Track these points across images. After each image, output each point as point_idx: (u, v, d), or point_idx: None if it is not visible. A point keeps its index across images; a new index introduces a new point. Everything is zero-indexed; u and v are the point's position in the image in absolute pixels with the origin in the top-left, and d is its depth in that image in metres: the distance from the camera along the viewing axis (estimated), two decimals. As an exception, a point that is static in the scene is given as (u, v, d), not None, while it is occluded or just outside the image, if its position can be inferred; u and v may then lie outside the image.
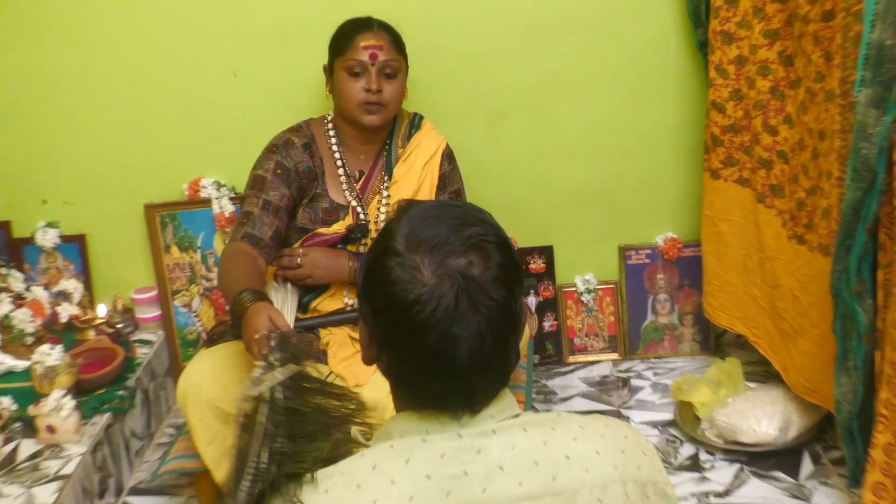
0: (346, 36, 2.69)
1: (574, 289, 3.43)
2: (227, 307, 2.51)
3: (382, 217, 2.74)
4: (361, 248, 2.73)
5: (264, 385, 1.59)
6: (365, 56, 2.64)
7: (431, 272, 1.25)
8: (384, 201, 2.76)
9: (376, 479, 1.26)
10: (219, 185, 3.30)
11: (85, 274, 3.41)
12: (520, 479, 1.27)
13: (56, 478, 2.55)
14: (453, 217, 1.31)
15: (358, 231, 2.71)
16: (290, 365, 1.68)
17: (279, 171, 2.66)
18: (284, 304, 2.60)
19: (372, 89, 2.65)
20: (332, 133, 2.78)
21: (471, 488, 1.26)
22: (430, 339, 1.24)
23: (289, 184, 2.67)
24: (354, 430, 1.51)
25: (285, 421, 1.54)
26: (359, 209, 2.74)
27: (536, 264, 3.39)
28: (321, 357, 2.66)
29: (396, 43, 2.72)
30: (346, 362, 2.62)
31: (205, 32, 3.19)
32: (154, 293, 3.40)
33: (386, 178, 2.79)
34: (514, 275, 1.30)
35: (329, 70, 2.76)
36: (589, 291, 3.41)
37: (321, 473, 1.31)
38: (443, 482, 1.25)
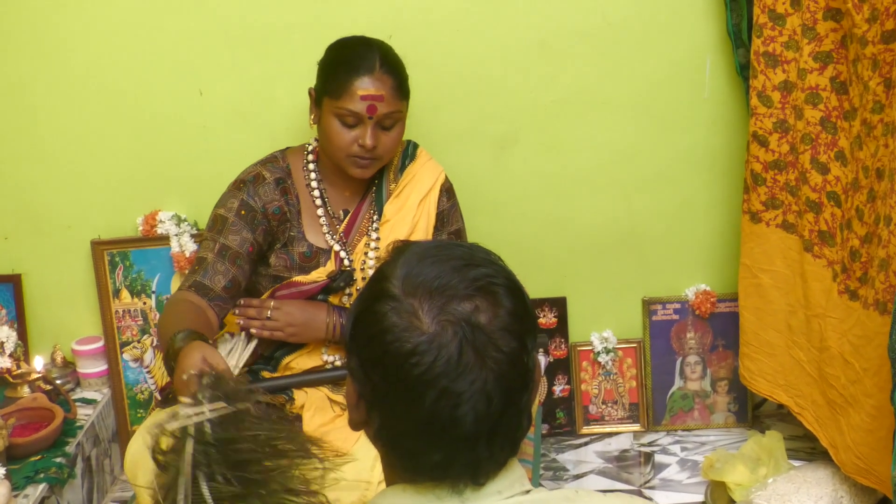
0: (341, 77, 2.61)
1: (590, 348, 3.43)
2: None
3: (371, 262, 2.73)
4: (345, 300, 2.73)
5: (189, 420, 1.60)
6: (362, 108, 2.59)
7: (431, 319, 1.25)
8: (373, 244, 2.76)
9: (362, 563, 1.26)
10: (179, 220, 3.30)
11: (19, 320, 3.40)
12: (531, 566, 1.27)
13: (-19, 558, 2.53)
14: (457, 257, 1.32)
15: (341, 279, 2.69)
16: (220, 403, 1.66)
17: (243, 212, 2.64)
18: (233, 353, 2.56)
19: (367, 146, 2.61)
20: (312, 167, 2.77)
21: (473, 575, 1.25)
22: (428, 397, 1.24)
23: (253, 227, 2.65)
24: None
25: (218, 452, 1.57)
26: (342, 254, 2.74)
27: (547, 318, 3.39)
28: (293, 421, 2.65)
29: (400, 88, 2.66)
30: (324, 429, 2.61)
31: (165, 43, 3.19)
32: (100, 344, 3.38)
33: (375, 216, 2.78)
34: (526, 324, 1.30)
35: (316, 100, 2.71)
36: (607, 351, 3.41)
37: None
38: (440, 567, 1.25)
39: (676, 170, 3.29)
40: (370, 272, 2.68)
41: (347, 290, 2.72)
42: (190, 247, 3.27)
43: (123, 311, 3.38)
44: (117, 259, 3.34)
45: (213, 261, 2.57)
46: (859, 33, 2.52)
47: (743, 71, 3.11)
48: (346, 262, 2.73)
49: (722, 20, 3.14)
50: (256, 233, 2.65)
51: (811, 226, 2.86)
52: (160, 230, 3.30)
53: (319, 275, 2.70)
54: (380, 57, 2.63)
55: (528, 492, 1.33)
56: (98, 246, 3.33)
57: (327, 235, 2.74)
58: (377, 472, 2.51)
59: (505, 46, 3.18)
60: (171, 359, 2.15)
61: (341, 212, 2.78)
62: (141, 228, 3.33)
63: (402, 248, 1.35)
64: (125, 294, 3.37)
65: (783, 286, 3.02)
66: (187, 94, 3.23)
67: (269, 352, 2.75)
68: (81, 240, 3.35)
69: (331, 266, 2.72)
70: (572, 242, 3.36)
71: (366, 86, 2.59)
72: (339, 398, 2.69)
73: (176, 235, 3.28)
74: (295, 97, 3.15)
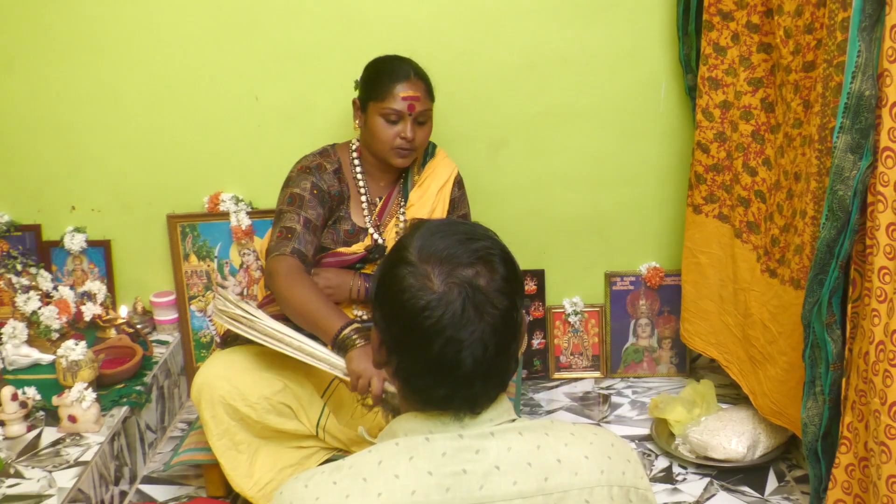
0: (384, 83, 2.63)
1: (562, 310, 3.42)
2: (303, 325, 2.49)
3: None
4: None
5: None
6: (403, 106, 2.61)
7: (441, 281, 1.25)
8: (401, 223, 2.76)
9: (382, 474, 1.26)
10: (237, 200, 3.29)
11: (108, 277, 3.40)
12: (514, 479, 1.27)
13: (76, 464, 2.54)
14: (462, 232, 1.32)
15: (376, 251, 2.70)
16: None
17: (315, 192, 2.66)
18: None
19: (408, 138, 2.63)
20: (356, 162, 2.77)
21: (469, 485, 1.26)
22: (436, 344, 1.24)
23: (323, 204, 2.67)
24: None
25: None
26: (375, 235, 2.73)
27: (528, 286, 3.37)
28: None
29: (429, 90, 2.70)
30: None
31: (229, 58, 3.18)
32: (172, 297, 3.38)
33: (402, 201, 2.78)
34: (516, 287, 1.30)
35: (361, 107, 2.71)
36: (576, 313, 3.41)
37: (330, 467, 1.30)
38: (443, 479, 1.25)
39: (635, 170, 3.28)
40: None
41: (378, 261, 2.72)
42: (245, 221, 3.27)
43: (191, 271, 3.37)
44: (187, 230, 3.34)
45: (302, 231, 2.58)
46: (785, 63, 2.51)
47: (691, 92, 3.10)
48: (379, 241, 2.73)
49: (675, 50, 3.13)
50: (325, 209, 2.67)
51: (741, 217, 2.86)
52: (222, 208, 3.29)
53: (359, 248, 2.71)
54: (412, 68, 2.67)
55: (513, 420, 1.33)
56: (172, 219, 3.33)
57: (366, 218, 2.73)
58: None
59: (499, 67, 3.17)
60: (347, 344, 2.36)
61: (377, 199, 2.77)
62: (206, 206, 3.32)
63: (419, 225, 1.35)
64: (193, 258, 3.36)
65: (717, 265, 3.02)
66: (246, 100, 3.22)
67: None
68: (159, 214, 3.35)
69: (368, 241, 2.72)
70: (550, 226, 3.35)
71: (405, 89, 2.61)
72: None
73: (234, 212, 3.28)
74: (331, 104, 3.15)
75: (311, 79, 3.18)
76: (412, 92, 2.62)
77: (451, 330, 1.23)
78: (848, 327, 2.24)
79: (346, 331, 2.34)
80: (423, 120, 2.67)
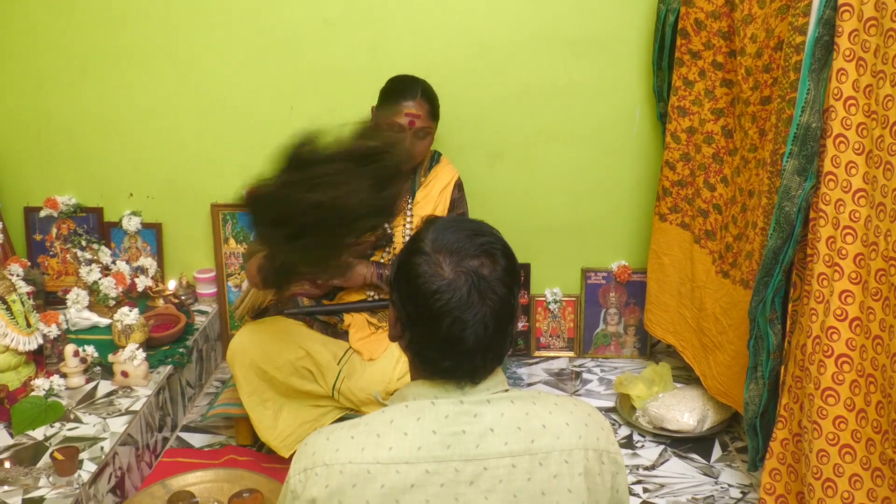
0: (394, 99, 2.61)
1: (544, 299, 3.41)
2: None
3: (406, 230, 2.72)
4: (385, 256, 2.72)
5: None
6: (405, 122, 2.58)
7: (450, 269, 1.25)
8: (408, 217, 2.74)
9: (393, 431, 1.25)
10: (271, 194, 3.28)
11: (159, 254, 3.39)
12: (506, 440, 1.27)
13: (126, 412, 2.53)
14: (469, 228, 1.32)
15: (384, 240, 2.69)
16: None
17: None
18: None
19: (405, 147, 2.61)
20: None
21: (467, 444, 1.26)
22: (445, 322, 1.24)
23: None
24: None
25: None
26: (385, 225, 2.72)
27: (516, 277, 3.36)
28: (342, 335, 2.64)
29: (432, 112, 2.65)
30: (364, 340, 2.61)
31: (270, 74, 3.17)
32: (212, 274, 3.37)
33: (410, 199, 2.76)
34: (514, 277, 1.30)
35: (375, 114, 2.70)
36: (555, 302, 3.40)
37: (348, 424, 1.30)
38: (445, 437, 1.25)
39: (611, 182, 3.27)
40: (405, 236, 2.68)
41: (387, 249, 2.71)
42: (277, 212, 3.26)
43: (230, 253, 3.36)
44: (228, 217, 3.33)
45: None
46: (744, 97, 2.50)
47: (662, 118, 3.09)
48: (388, 229, 2.71)
49: (649, 82, 3.12)
50: None
51: (700, 226, 2.85)
52: (258, 199, 3.28)
53: (370, 235, 2.69)
54: (421, 89, 2.64)
55: (506, 390, 1.33)
56: (215, 207, 3.31)
57: None
58: (397, 371, 2.51)
59: (500, 91, 3.15)
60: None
61: None
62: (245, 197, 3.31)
63: (433, 220, 1.35)
64: (232, 241, 3.35)
65: (678, 266, 3.02)
66: (282, 109, 3.21)
67: (330, 289, 2.74)
68: (204, 202, 3.34)
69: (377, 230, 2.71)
70: (536, 227, 3.34)
71: (410, 107, 2.59)
72: (374, 320, 2.68)
73: (269, 204, 3.27)
74: (356, 115, 3.09)
75: (340, 94, 3.17)
76: (415, 110, 2.59)
77: (457, 311, 1.23)
78: (788, 323, 2.24)
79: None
80: (422, 135, 2.63)
